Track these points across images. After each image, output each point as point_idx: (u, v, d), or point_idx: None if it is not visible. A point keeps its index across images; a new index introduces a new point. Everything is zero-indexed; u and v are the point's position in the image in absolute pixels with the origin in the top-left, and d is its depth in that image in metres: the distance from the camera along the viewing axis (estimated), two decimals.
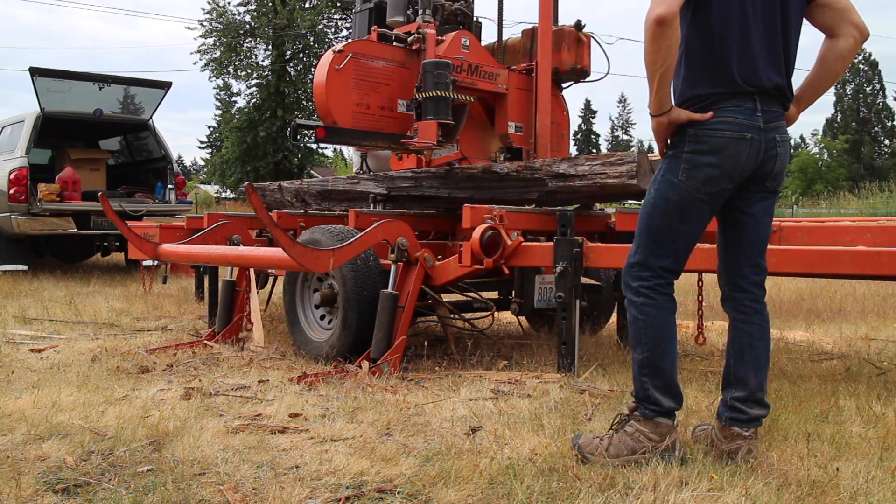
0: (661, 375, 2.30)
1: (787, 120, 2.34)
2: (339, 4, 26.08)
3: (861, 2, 2.42)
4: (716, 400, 2.68)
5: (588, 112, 74.43)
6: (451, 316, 4.22)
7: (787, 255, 3.02)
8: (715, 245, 2.48)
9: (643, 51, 2.15)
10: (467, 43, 4.59)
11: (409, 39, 4.43)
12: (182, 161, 68.39)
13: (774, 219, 2.69)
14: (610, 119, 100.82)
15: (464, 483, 2.12)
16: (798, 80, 2.37)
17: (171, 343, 4.35)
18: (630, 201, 4.72)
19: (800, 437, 2.51)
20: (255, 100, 27.08)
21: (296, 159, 27.22)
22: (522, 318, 4.94)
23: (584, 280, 4.05)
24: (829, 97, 55.57)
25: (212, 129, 53.04)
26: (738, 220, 2.36)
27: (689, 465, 2.24)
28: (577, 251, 3.44)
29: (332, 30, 26.85)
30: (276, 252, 3.56)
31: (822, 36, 2.35)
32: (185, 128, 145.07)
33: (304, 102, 26.58)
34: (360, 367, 3.52)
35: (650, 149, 19.48)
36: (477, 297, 4.18)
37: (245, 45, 26.87)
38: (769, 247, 2.46)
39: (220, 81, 32.54)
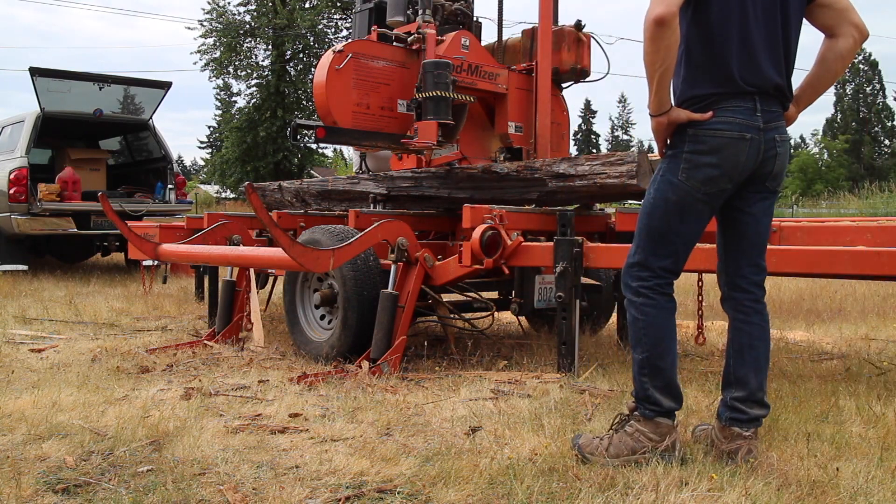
0: (660, 375, 2.30)
1: (786, 120, 2.34)
2: (339, 4, 26.10)
3: (861, 2, 2.42)
4: (716, 400, 2.68)
5: (588, 112, 74.43)
6: (451, 316, 4.22)
7: (787, 255, 3.02)
8: (715, 245, 2.48)
9: (643, 51, 2.15)
10: (467, 43, 4.59)
11: (409, 39, 4.42)
12: (182, 161, 68.47)
13: (774, 219, 2.69)
14: (610, 119, 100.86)
15: (464, 483, 2.12)
16: (798, 80, 2.37)
17: (171, 343, 4.35)
18: (630, 201, 4.72)
19: (800, 437, 2.50)
20: (255, 100, 27.11)
21: (296, 159, 27.24)
22: (522, 318, 4.94)
23: (584, 280, 4.05)
24: (828, 97, 55.72)
25: (212, 129, 53.11)
26: (738, 220, 2.36)
27: (689, 465, 2.24)
28: (577, 251, 3.44)
29: (332, 30, 26.90)
30: (276, 252, 3.56)
31: (822, 36, 2.35)
32: (185, 128, 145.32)
33: (304, 102, 26.59)
34: (360, 367, 3.52)
35: (650, 149, 19.45)
36: (477, 297, 4.18)
37: (245, 45, 26.90)
38: (769, 247, 2.46)
39: (220, 81, 32.65)
